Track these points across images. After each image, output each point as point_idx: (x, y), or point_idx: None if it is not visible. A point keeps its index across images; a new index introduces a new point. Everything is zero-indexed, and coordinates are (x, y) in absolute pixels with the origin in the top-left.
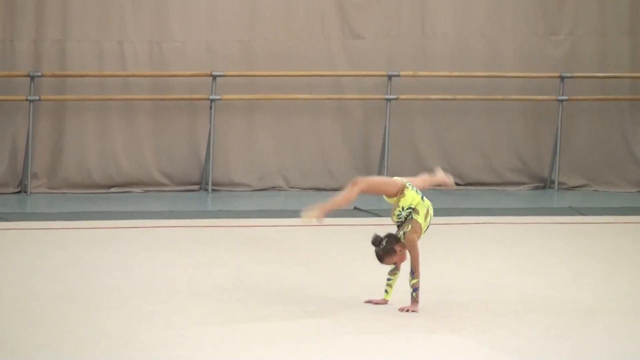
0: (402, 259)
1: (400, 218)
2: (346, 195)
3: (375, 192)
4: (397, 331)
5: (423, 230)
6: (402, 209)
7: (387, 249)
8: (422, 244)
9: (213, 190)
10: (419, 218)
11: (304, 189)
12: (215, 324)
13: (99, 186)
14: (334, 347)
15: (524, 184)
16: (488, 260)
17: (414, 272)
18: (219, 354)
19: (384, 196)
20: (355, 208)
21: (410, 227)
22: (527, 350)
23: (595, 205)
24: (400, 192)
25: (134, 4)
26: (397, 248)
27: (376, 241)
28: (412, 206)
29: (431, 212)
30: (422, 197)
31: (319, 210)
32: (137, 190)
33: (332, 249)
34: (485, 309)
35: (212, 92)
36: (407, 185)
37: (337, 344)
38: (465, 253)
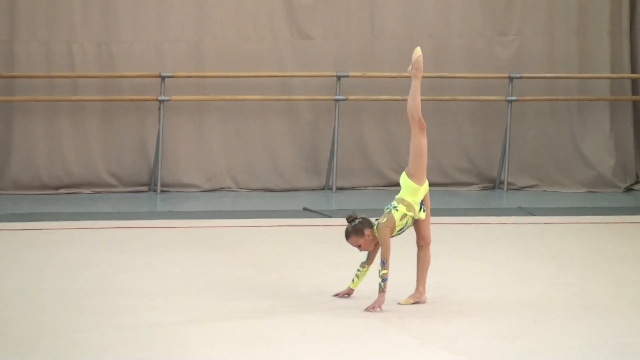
0: (367, 247)
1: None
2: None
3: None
4: (347, 331)
5: (395, 232)
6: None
7: (357, 228)
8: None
9: (162, 191)
10: (396, 215)
11: (253, 189)
12: (164, 325)
13: (48, 187)
14: (282, 349)
15: (473, 184)
16: (437, 261)
17: (384, 263)
18: (169, 355)
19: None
20: (304, 209)
21: (385, 219)
22: (476, 350)
23: (544, 206)
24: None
25: (83, 5)
26: (367, 232)
27: (350, 218)
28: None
29: (410, 222)
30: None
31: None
32: (86, 191)
33: (282, 250)
34: (435, 309)
35: (160, 93)
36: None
37: (284, 345)
38: (414, 254)
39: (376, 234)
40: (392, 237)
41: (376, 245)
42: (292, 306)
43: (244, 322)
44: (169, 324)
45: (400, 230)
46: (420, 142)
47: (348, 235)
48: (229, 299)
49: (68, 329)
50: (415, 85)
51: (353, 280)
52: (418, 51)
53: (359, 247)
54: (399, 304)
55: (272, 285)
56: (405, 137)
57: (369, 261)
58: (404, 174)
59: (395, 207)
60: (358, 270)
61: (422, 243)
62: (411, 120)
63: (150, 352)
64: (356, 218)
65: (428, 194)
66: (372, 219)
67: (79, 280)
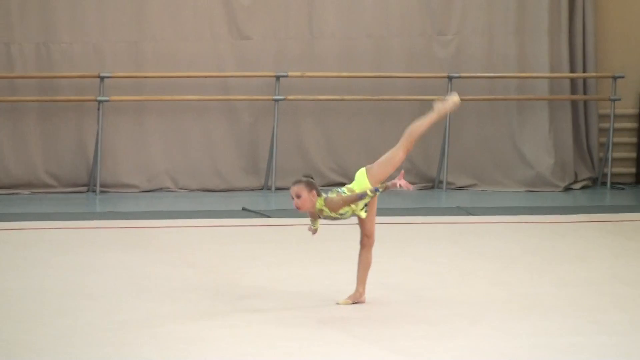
0: (304, 205)
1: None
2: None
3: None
4: (286, 332)
5: (335, 213)
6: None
7: (310, 182)
8: (309, 245)
9: (101, 191)
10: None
11: (192, 189)
12: (103, 326)
13: None
14: (220, 350)
15: (412, 183)
16: (377, 261)
17: (362, 196)
18: (106, 356)
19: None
20: (243, 209)
21: (335, 195)
22: (416, 350)
23: (484, 205)
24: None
25: (21, 6)
26: (314, 193)
27: (306, 175)
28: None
29: (348, 214)
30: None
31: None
32: (24, 192)
33: (221, 250)
34: (375, 309)
35: (99, 94)
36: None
37: (222, 346)
38: (354, 254)
39: (322, 206)
40: (325, 218)
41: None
42: (230, 307)
43: (183, 322)
44: (108, 325)
45: (340, 215)
46: (398, 156)
47: (299, 182)
48: (168, 300)
49: (5, 329)
50: (432, 117)
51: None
52: (457, 100)
53: (298, 198)
54: (338, 304)
55: (211, 285)
56: (344, 137)
57: (314, 222)
58: (363, 170)
59: (343, 192)
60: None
61: (366, 242)
62: (406, 137)
63: (89, 354)
64: (309, 178)
65: (376, 197)
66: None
67: (18, 281)
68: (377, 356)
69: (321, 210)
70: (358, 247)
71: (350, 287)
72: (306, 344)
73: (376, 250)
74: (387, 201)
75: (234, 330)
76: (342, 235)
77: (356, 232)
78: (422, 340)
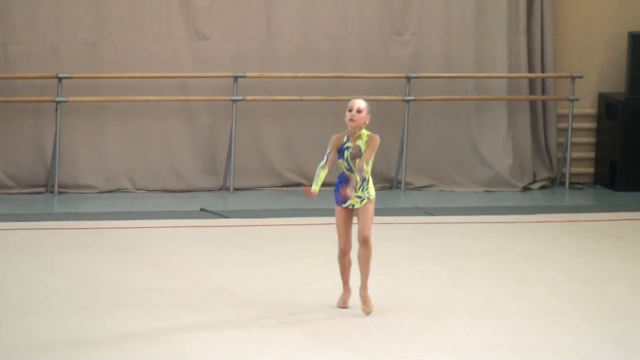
0: (360, 122)
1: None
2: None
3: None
4: (246, 333)
5: (357, 147)
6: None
7: (369, 104)
8: (268, 246)
9: (59, 192)
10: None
11: (151, 190)
12: (60, 326)
13: None
14: (179, 349)
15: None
16: (336, 262)
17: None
18: (65, 356)
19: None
20: (202, 209)
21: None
22: (376, 350)
23: (442, 205)
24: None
25: None
26: (368, 113)
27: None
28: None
29: (362, 147)
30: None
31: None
32: None
33: (180, 250)
34: (335, 310)
35: (57, 94)
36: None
37: (180, 344)
38: (314, 254)
39: (366, 137)
40: (353, 158)
41: (334, 150)
42: (188, 307)
43: (140, 323)
44: (65, 325)
45: (365, 162)
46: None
47: (362, 99)
48: (126, 301)
49: None
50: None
51: (316, 183)
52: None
53: (359, 113)
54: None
55: (170, 286)
56: (302, 137)
57: (327, 164)
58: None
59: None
60: (318, 173)
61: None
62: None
63: (43, 354)
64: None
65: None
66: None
67: None
68: (338, 357)
69: (359, 141)
70: (315, 248)
71: (308, 288)
72: (264, 344)
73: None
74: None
75: (191, 330)
76: (301, 236)
77: (311, 230)
78: (383, 341)
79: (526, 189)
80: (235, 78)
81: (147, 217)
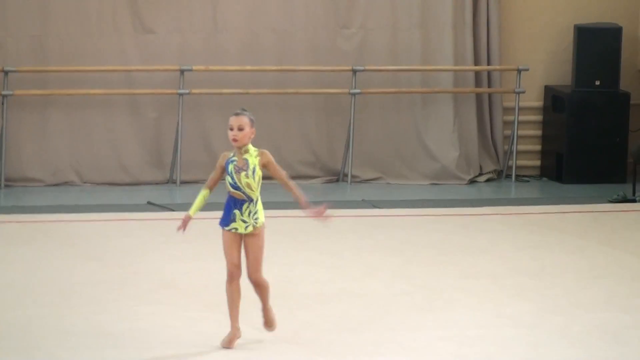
0: (242, 140)
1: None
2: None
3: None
4: (191, 323)
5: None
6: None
7: (252, 118)
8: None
9: (5, 185)
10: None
11: (98, 183)
12: (4, 321)
13: None
14: (127, 342)
15: (317, 177)
16: (281, 254)
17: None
18: (10, 350)
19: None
20: (148, 203)
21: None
22: (321, 342)
23: (389, 198)
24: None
25: None
26: (254, 130)
27: (244, 109)
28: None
29: (254, 164)
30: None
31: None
32: None
33: (126, 243)
34: (279, 302)
35: (3, 88)
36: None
37: (126, 338)
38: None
39: (256, 155)
40: (237, 172)
41: (217, 170)
42: (135, 300)
43: (86, 317)
44: (10, 319)
45: (254, 179)
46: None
47: (242, 113)
48: (71, 294)
49: None
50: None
51: (192, 208)
52: None
53: (240, 131)
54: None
55: (116, 279)
56: None
57: (208, 185)
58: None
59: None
60: (198, 197)
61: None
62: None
63: None
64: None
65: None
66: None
67: None
68: (284, 350)
69: (246, 155)
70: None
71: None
72: (210, 337)
73: (280, 243)
74: (291, 195)
75: (137, 323)
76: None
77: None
78: (327, 333)
79: (472, 181)
80: (182, 71)
81: (93, 210)
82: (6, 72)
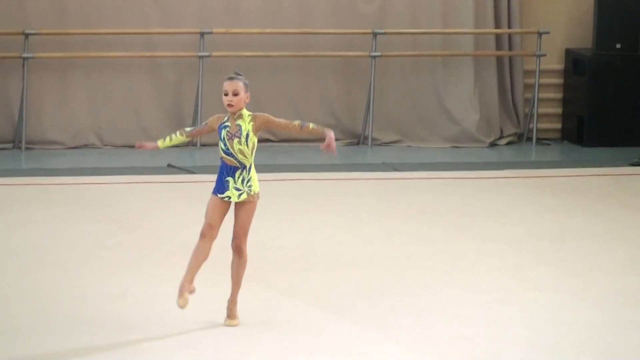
0: (237, 104)
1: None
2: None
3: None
4: (208, 287)
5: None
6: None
7: (246, 83)
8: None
9: (27, 148)
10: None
11: (118, 146)
12: (26, 282)
13: None
14: (141, 306)
15: (337, 140)
16: (302, 218)
17: (305, 125)
18: (29, 313)
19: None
20: (169, 165)
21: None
22: (339, 306)
23: (409, 161)
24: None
25: None
26: (248, 95)
27: (238, 73)
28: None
29: (247, 129)
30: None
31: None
32: None
33: (146, 206)
34: (300, 266)
35: (24, 50)
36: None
37: (145, 300)
38: (278, 210)
39: (250, 119)
40: (230, 139)
41: (206, 127)
42: (155, 263)
43: (106, 279)
44: (30, 282)
45: (249, 145)
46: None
47: (236, 77)
48: (90, 256)
49: None
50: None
51: (164, 140)
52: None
53: (235, 96)
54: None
55: (136, 242)
56: (269, 93)
57: (190, 133)
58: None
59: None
60: (176, 134)
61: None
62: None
63: (8, 310)
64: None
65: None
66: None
67: None
68: (302, 311)
69: (239, 121)
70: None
71: (273, 244)
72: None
73: (301, 207)
74: (311, 157)
75: (157, 285)
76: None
77: (278, 185)
78: (345, 297)
79: (493, 144)
80: (202, 34)
81: (114, 173)
82: (26, 35)
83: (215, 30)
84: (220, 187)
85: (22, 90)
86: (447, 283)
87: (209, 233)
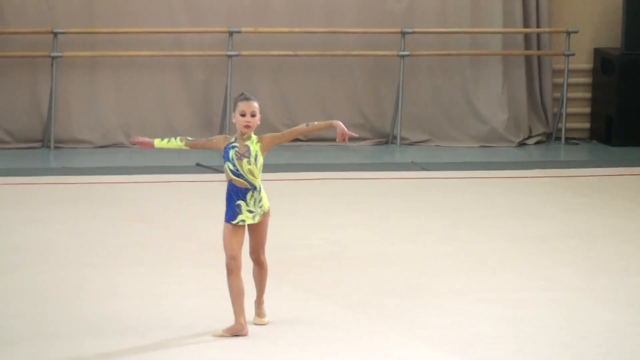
0: (253, 125)
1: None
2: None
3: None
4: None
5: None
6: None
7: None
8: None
9: (55, 147)
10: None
11: None
12: (54, 279)
13: None
14: (168, 303)
15: (366, 139)
16: (330, 217)
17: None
18: (59, 309)
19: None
20: (197, 164)
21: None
22: (366, 305)
23: (437, 161)
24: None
25: None
26: (235, 112)
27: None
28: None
29: (256, 150)
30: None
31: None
32: None
33: (174, 205)
34: (327, 265)
35: (52, 49)
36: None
37: (169, 299)
38: (307, 209)
39: (256, 140)
40: (239, 158)
41: (210, 143)
42: (181, 261)
43: (133, 277)
44: (57, 280)
45: (256, 166)
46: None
47: (253, 99)
48: (119, 255)
49: None
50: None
51: (162, 140)
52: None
53: (252, 116)
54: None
55: (164, 241)
56: (297, 93)
57: (191, 143)
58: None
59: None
60: (176, 139)
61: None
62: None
63: (36, 308)
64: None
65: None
66: None
67: None
68: (328, 311)
69: (247, 142)
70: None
71: (301, 243)
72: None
73: (329, 206)
74: (340, 156)
75: (183, 285)
76: (293, 191)
77: (306, 184)
78: (372, 296)
79: (522, 144)
80: (230, 33)
81: (142, 172)
82: (55, 34)
83: (243, 29)
84: (232, 213)
85: (51, 89)
86: (473, 282)
87: (235, 266)
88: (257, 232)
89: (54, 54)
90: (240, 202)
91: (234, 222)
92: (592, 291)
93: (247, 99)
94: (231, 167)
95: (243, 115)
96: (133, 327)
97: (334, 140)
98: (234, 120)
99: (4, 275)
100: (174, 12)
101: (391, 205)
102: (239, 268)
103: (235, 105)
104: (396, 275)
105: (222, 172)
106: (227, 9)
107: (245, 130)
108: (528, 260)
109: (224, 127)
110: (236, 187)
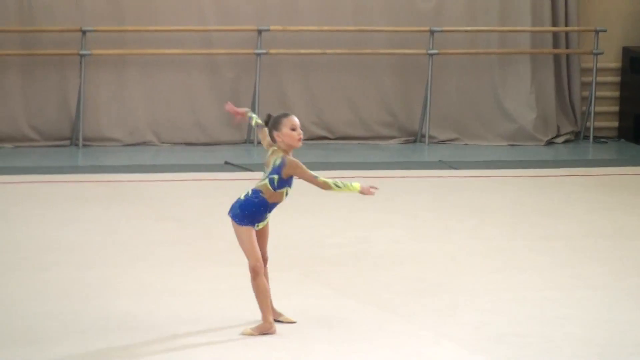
0: (299, 137)
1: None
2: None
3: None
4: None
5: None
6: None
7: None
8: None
9: (84, 145)
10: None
11: (175, 143)
12: (83, 279)
13: None
14: (199, 301)
15: (394, 137)
16: (358, 215)
17: (332, 185)
18: (83, 308)
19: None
20: (226, 163)
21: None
22: (394, 304)
23: (466, 159)
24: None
25: None
26: (283, 129)
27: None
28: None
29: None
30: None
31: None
32: (7, 145)
33: (203, 204)
34: (354, 263)
35: (81, 48)
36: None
37: (201, 297)
38: (335, 207)
39: (280, 157)
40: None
41: (260, 133)
42: (210, 260)
43: (161, 275)
44: (87, 278)
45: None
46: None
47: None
48: (147, 254)
49: None
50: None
51: (251, 114)
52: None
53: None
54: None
55: (193, 239)
56: (326, 91)
57: (259, 126)
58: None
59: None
60: (258, 118)
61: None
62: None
63: (67, 307)
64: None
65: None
66: None
67: (1, 234)
68: (356, 310)
69: (274, 156)
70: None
71: (329, 241)
72: (287, 293)
73: (356, 205)
74: (368, 155)
75: (211, 283)
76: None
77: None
78: (402, 295)
79: (550, 142)
80: (259, 31)
81: (170, 170)
82: (84, 32)
83: (272, 27)
84: (256, 219)
85: (80, 87)
86: (501, 281)
87: (261, 268)
88: (265, 232)
89: (82, 52)
90: (268, 214)
91: (258, 227)
92: (621, 290)
93: (288, 114)
94: (287, 192)
95: (294, 129)
96: (162, 325)
97: (362, 138)
98: (279, 138)
99: (37, 274)
100: (202, 10)
101: (419, 204)
102: (262, 269)
103: (277, 123)
104: (425, 274)
105: (250, 170)
106: (256, 8)
107: (298, 145)
108: (557, 259)
109: (252, 126)
110: (270, 202)
